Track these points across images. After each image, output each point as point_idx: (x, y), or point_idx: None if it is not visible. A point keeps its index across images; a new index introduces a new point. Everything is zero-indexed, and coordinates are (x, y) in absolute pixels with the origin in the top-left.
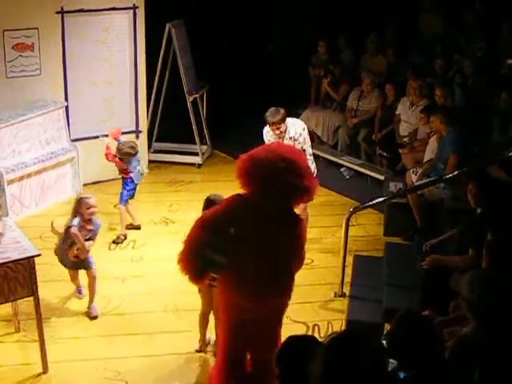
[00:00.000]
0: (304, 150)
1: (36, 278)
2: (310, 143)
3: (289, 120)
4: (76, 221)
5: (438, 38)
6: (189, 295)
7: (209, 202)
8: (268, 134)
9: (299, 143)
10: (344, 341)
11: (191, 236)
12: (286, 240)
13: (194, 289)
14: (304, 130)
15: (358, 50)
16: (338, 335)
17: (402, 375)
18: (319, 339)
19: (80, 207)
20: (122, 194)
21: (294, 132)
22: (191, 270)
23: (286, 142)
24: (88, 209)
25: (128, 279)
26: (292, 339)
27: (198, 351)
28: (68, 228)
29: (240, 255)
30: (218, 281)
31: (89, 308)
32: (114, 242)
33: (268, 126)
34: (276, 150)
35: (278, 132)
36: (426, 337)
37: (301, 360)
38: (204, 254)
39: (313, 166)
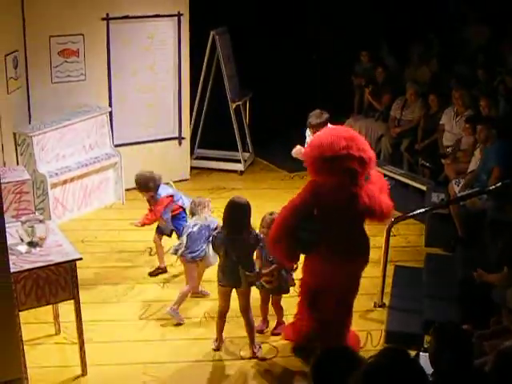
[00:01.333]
0: None
1: (77, 282)
2: None
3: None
4: None
5: (481, 48)
6: (233, 300)
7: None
8: (308, 137)
9: None
10: (383, 368)
11: (283, 220)
12: (357, 208)
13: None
14: None
15: (400, 60)
16: (377, 360)
17: None
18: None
19: None
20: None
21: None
22: (283, 251)
23: (298, 146)
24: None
25: (169, 283)
26: (328, 351)
27: (215, 350)
28: None
29: (325, 230)
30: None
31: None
32: (149, 274)
33: (308, 128)
34: (336, 132)
35: (312, 133)
36: (466, 350)
37: (337, 373)
38: (297, 236)
39: None
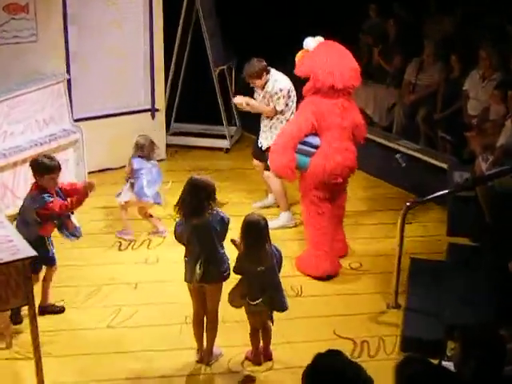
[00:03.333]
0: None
1: (31, 284)
2: (286, 106)
3: (275, 74)
4: None
5: None
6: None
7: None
8: (256, 93)
9: (272, 101)
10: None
11: (290, 133)
12: (351, 122)
13: (225, 296)
14: (282, 90)
15: (416, 13)
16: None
17: None
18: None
19: None
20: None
21: (272, 87)
22: (287, 162)
23: (258, 97)
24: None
25: (142, 285)
26: (321, 359)
27: (198, 362)
28: None
29: (326, 143)
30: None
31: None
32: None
33: (248, 81)
34: (343, 60)
35: (253, 86)
36: (497, 358)
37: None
38: (300, 150)
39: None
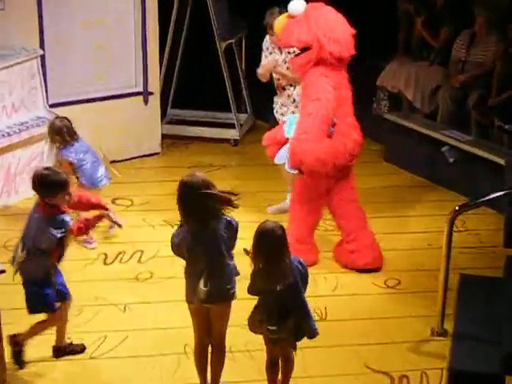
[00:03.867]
0: None
1: None
2: None
3: None
4: None
5: None
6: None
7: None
8: (267, 42)
9: None
10: None
11: (318, 114)
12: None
13: (232, 320)
14: None
15: None
16: None
17: None
18: None
19: None
20: None
21: None
22: (319, 152)
23: (283, 55)
24: None
25: (132, 307)
26: None
27: None
28: None
29: (339, 120)
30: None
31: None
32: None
33: (268, 33)
34: (347, 27)
35: (273, 38)
36: None
37: None
38: None
39: None
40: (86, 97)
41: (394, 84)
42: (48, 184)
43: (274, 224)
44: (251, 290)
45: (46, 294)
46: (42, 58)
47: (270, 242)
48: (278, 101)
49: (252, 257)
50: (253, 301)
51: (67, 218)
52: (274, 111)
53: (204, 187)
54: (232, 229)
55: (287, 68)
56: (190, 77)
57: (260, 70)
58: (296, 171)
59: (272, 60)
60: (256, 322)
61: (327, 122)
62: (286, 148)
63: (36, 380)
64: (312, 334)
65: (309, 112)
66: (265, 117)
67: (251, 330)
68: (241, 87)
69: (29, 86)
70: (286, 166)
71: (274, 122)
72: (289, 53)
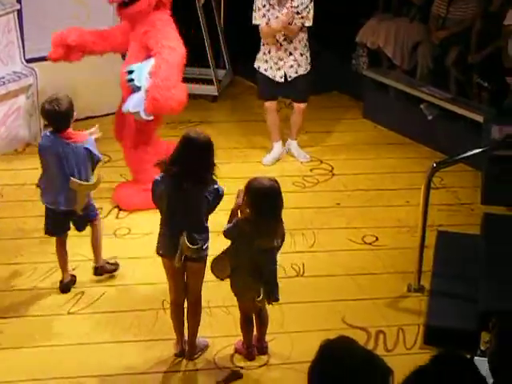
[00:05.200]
0: (302, 27)
1: None
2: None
3: None
4: None
5: None
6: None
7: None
8: None
9: (301, 17)
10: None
11: (176, 61)
12: None
13: (209, 276)
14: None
15: None
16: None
17: None
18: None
19: None
20: None
21: (298, 1)
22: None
23: (284, 10)
24: None
25: (121, 259)
26: (331, 350)
27: (177, 356)
28: None
29: None
30: None
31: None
32: None
33: None
34: None
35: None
36: None
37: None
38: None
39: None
40: None
41: (374, 40)
42: (70, 113)
43: (268, 180)
44: (229, 234)
45: None
46: (19, 12)
47: (269, 198)
48: (270, 56)
49: (242, 206)
50: None
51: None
52: (262, 69)
53: (210, 147)
54: (218, 196)
55: (289, 24)
56: None
57: (275, 25)
58: (152, 117)
59: (287, 12)
60: (226, 268)
61: (181, 69)
62: (138, 96)
63: (11, 338)
64: (275, 298)
65: (166, 59)
66: (243, 72)
67: (214, 273)
68: (219, 42)
69: (6, 41)
70: (140, 113)
71: (263, 79)
72: (291, 6)
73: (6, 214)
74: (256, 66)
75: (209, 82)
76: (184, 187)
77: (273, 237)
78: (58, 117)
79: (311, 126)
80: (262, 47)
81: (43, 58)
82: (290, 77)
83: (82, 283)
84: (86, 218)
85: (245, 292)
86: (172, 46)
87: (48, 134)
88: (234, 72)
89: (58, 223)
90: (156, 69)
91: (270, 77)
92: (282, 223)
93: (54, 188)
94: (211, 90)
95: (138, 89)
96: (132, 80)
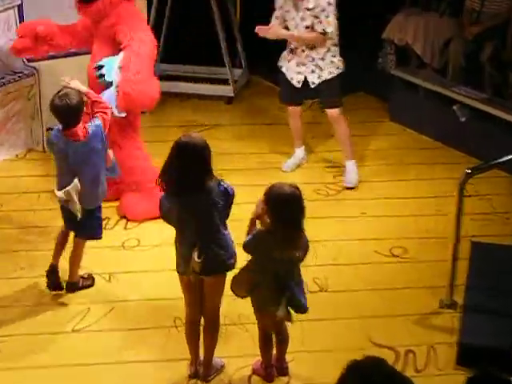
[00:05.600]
0: (324, 33)
1: None
2: (335, 23)
3: None
4: None
5: None
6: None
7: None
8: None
9: (319, 22)
10: None
11: (149, 54)
12: None
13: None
14: (330, 4)
15: None
16: None
17: None
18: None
19: None
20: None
21: (315, 3)
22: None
23: (300, 13)
24: None
25: (117, 277)
26: (357, 370)
27: (191, 377)
28: None
29: None
30: None
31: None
32: None
33: None
34: None
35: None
36: None
37: None
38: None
39: (337, 63)
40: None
41: (401, 37)
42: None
43: (289, 186)
44: (248, 247)
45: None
46: (20, 7)
47: (290, 206)
48: (291, 59)
49: (262, 215)
50: None
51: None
52: (284, 69)
53: (203, 151)
54: (228, 197)
55: (306, 27)
56: (180, 28)
57: (265, 33)
58: (125, 114)
59: (276, 25)
60: (247, 285)
61: (153, 61)
62: (108, 92)
63: (19, 356)
64: (303, 307)
65: (137, 52)
66: (261, 72)
67: (234, 291)
68: (235, 40)
69: (5, 38)
70: (113, 110)
71: (285, 81)
72: (307, 9)
73: (5, 224)
74: (279, 64)
75: (224, 82)
76: (187, 199)
77: (294, 247)
78: (68, 113)
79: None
80: (288, 45)
81: (45, 57)
82: (312, 83)
83: (88, 298)
84: (89, 232)
85: (266, 307)
86: (142, 37)
87: (56, 129)
88: (251, 71)
89: (64, 216)
90: (126, 62)
91: (288, 78)
92: (303, 233)
93: (60, 183)
94: (226, 90)
95: (110, 84)
96: (102, 76)
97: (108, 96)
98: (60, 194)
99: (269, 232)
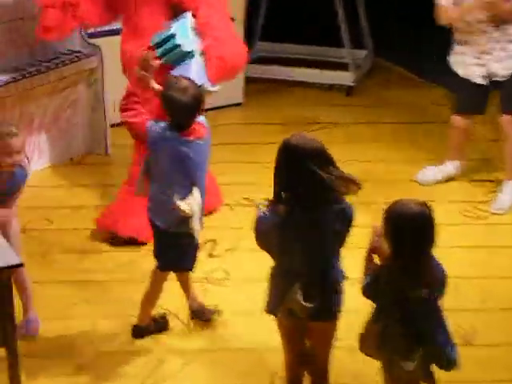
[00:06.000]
0: None
1: (13, 311)
2: None
3: None
4: None
5: None
6: None
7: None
8: None
9: None
10: None
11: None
12: None
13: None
14: None
15: None
16: None
17: None
18: None
19: None
20: None
21: None
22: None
23: None
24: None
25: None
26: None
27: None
28: None
29: None
30: None
31: None
32: None
33: None
34: None
35: None
36: None
37: None
38: None
39: None
40: None
41: None
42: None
43: (417, 204)
44: (368, 291)
45: None
46: None
47: (413, 229)
48: (469, 47)
49: (380, 246)
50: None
51: None
52: (460, 67)
53: (320, 156)
54: (346, 219)
55: None
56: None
57: (451, 12)
58: (218, 88)
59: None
60: (375, 338)
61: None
62: (191, 65)
63: None
64: (451, 362)
65: (211, 3)
66: (388, 54)
67: (364, 351)
68: (356, 14)
69: None
70: (205, 86)
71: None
72: None
73: (58, 247)
74: (451, 60)
75: (341, 66)
76: (294, 217)
77: (420, 282)
78: (182, 110)
79: (488, 132)
80: (455, 35)
81: (111, 32)
82: (499, 76)
83: (161, 347)
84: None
85: (396, 360)
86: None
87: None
88: (376, 53)
89: None
90: (204, 20)
91: (465, 77)
92: (433, 262)
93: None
94: (345, 77)
95: (187, 56)
96: (170, 50)
97: (195, 70)
98: (184, 205)
99: (390, 266)
